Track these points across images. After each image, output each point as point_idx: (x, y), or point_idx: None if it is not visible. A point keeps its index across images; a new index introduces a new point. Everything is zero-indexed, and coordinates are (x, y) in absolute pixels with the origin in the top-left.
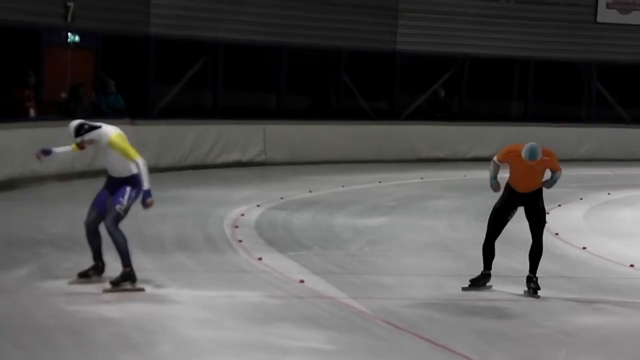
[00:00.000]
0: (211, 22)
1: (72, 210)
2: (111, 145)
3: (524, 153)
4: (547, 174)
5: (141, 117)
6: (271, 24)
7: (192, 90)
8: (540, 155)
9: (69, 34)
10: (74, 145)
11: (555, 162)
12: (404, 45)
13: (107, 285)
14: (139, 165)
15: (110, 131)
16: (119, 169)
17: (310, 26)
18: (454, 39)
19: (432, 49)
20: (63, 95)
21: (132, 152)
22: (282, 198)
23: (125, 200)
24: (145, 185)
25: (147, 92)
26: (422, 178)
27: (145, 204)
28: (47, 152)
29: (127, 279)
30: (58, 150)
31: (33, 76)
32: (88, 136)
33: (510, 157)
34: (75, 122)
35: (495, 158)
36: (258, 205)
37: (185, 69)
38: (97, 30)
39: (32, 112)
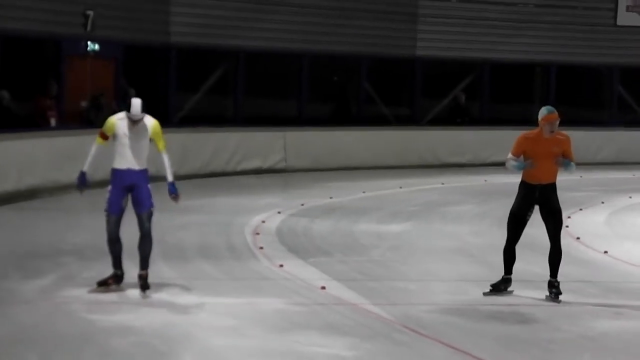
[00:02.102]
0: (232, 30)
1: (94, 219)
2: (155, 129)
3: (541, 114)
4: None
5: (162, 126)
6: (292, 31)
7: (213, 98)
8: (556, 112)
9: (89, 43)
10: (98, 139)
11: (571, 150)
12: (424, 50)
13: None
14: (166, 158)
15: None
16: (142, 160)
17: (330, 33)
18: (474, 44)
19: (452, 54)
20: (83, 104)
21: (165, 142)
22: (303, 205)
23: (152, 198)
24: (170, 177)
25: (168, 100)
26: (443, 183)
27: (173, 197)
28: (82, 180)
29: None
30: (88, 164)
31: (55, 86)
32: (145, 115)
33: (526, 142)
34: (139, 100)
35: (509, 155)
36: (279, 212)
37: (206, 77)
38: (117, 39)
39: (53, 122)
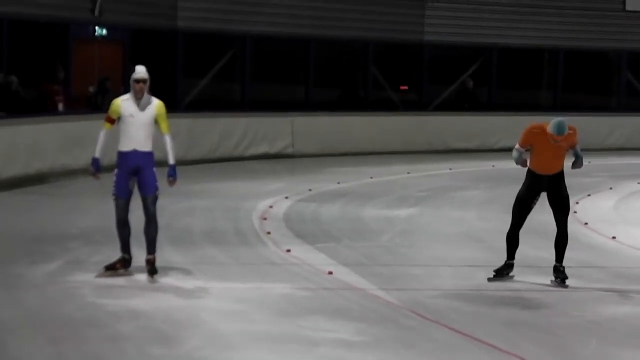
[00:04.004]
0: (239, 15)
1: (102, 204)
2: (159, 110)
3: (551, 128)
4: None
5: (169, 110)
6: (299, 15)
7: (220, 83)
8: (567, 130)
9: (97, 27)
10: (107, 125)
11: (576, 137)
12: (432, 35)
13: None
14: (168, 140)
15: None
16: (148, 142)
17: (338, 17)
18: (482, 29)
19: (460, 39)
20: (91, 89)
21: (169, 125)
22: (310, 190)
23: (157, 182)
24: (172, 160)
25: (175, 85)
26: (450, 169)
27: (170, 181)
28: (96, 166)
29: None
30: (99, 151)
31: (62, 71)
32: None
33: (533, 136)
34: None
35: (517, 146)
36: (286, 198)
37: (213, 62)
38: (124, 23)
39: (60, 107)
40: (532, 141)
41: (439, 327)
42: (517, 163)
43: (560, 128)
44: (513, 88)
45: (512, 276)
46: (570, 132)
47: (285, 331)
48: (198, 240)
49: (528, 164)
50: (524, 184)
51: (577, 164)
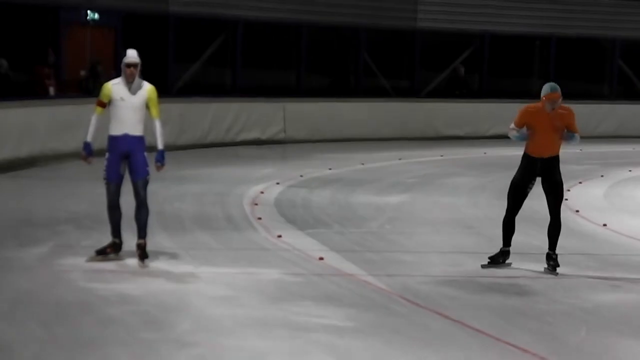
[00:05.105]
0: (231, 0)
1: (92, 188)
2: (151, 94)
3: (544, 91)
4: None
5: (160, 96)
6: (291, 1)
7: (212, 69)
8: (559, 90)
9: (89, 11)
10: (98, 109)
11: (575, 122)
12: (425, 22)
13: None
14: (158, 125)
15: None
16: (139, 127)
17: (330, 3)
18: (474, 16)
19: (452, 27)
20: (82, 73)
21: (159, 110)
22: (301, 176)
23: (148, 166)
24: (161, 145)
25: (166, 70)
26: (442, 155)
27: (158, 166)
28: (88, 151)
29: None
30: (91, 135)
31: (53, 55)
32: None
33: (529, 115)
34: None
35: (511, 125)
36: (278, 183)
37: (204, 47)
38: (116, 8)
39: (51, 91)
40: (528, 120)
41: (429, 313)
42: (519, 139)
43: (552, 86)
44: (505, 75)
45: (509, 263)
46: (565, 111)
47: (275, 316)
48: (189, 225)
49: (524, 148)
50: (518, 169)
51: (566, 135)
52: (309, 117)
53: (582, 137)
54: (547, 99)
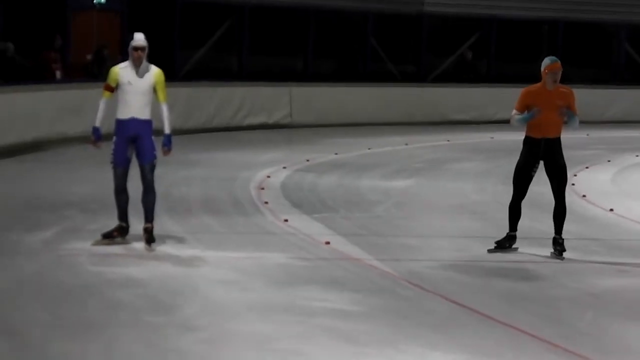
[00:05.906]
0: None
1: (98, 172)
2: (158, 78)
3: (544, 64)
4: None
5: (167, 80)
6: None
7: (218, 53)
8: (559, 61)
9: None
10: (106, 94)
11: (575, 103)
12: (432, 7)
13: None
14: (165, 109)
15: None
16: (146, 110)
17: None
18: (481, 0)
19: (459, 11)
20: (88, 57)
21: (166, 94)
22: (308, 160)
23: (155, 150)
24: (168, 129)
25: (173, 55)
26: (448, 140)
27: (165, 151)
28: (97, 135)
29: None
30: (99, 120)
31: (60, 39)
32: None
33: (530, 95)
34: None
35: (513, 112)
36: (284, 168)
37: (211, 32)
38: None
39: (58, 75)
40: (530, 101)
41: (435, 297)
42: (524, 120)
43: (552, 58)
44: (512, 60)
45: (516, 248)
46: (566, 91)
47: (281, 301)
48: (195, 209)
49: (525, 131)
50: (522, 152)
51: (571, 116)
52: (315, 101)
53: (589, 122)
54: (549, 70)
